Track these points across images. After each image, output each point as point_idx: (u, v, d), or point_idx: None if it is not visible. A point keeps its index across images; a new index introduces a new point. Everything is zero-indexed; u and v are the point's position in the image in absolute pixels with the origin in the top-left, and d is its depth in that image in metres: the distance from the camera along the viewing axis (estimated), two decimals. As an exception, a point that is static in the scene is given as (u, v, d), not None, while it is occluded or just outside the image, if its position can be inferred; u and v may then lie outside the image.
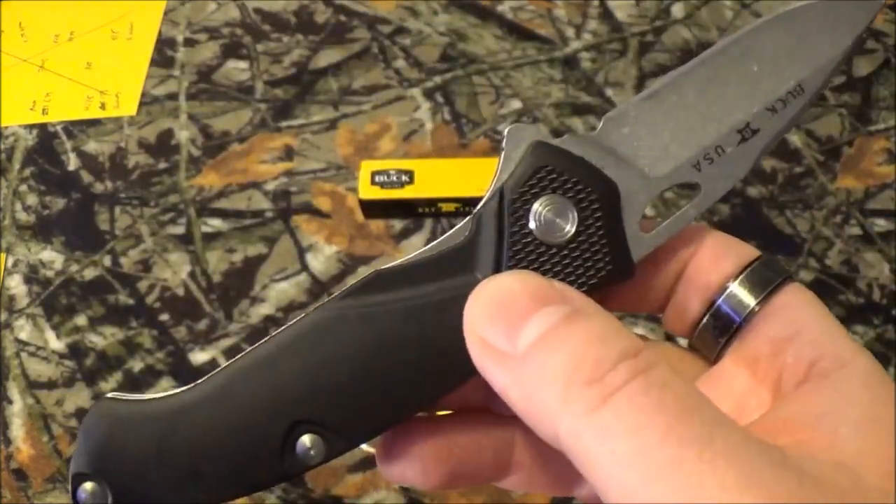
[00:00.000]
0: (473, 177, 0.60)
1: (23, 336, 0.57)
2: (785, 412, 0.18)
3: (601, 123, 0.21)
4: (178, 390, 0.19)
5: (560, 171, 0.19)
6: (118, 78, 0.73)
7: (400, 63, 0.73)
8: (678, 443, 0.15)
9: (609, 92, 0.69)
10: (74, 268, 0.60)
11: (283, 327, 0.19)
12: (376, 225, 0.62)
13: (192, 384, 0.20)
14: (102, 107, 0.71)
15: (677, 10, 0.77)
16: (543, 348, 0.16)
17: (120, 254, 0.61)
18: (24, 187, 0.66)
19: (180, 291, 0.59)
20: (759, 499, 0.14)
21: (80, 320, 0.58)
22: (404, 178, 0.60)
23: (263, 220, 0.62)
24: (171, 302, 0.58)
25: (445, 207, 0.60)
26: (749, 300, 0.20)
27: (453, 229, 0.20)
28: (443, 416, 0.21)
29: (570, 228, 0.19)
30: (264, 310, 0.57)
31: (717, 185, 0.21)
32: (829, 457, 0.16)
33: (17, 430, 0.53)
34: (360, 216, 0.62)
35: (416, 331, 0.19)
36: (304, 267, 0.60)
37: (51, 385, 0.55)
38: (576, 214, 0.19)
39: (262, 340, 0.20)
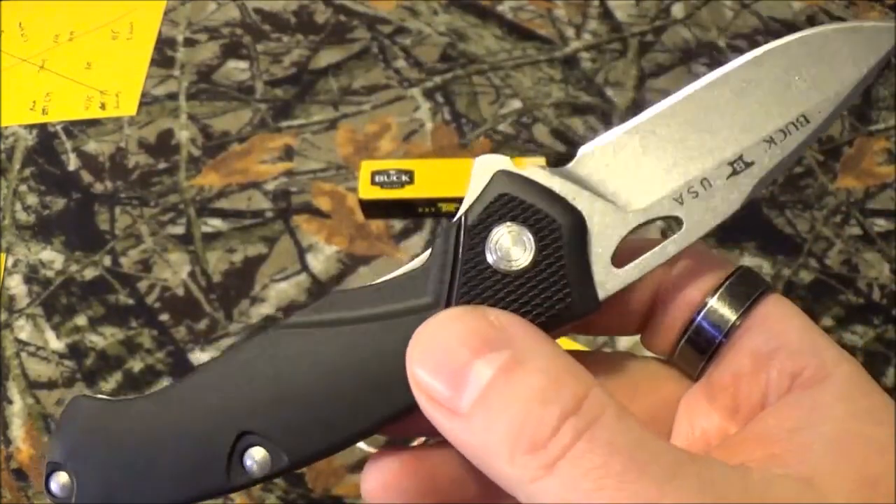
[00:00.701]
0: (473, 177, 0.60)
1: (23, 336, 0.57)
2: (763, 425, 0.18)
3: (577, 155, 0.20)
4: (142, 395, 0.20)
5: (521, 200, 0.19)
6: (118, 78, 0.73)
7: (400, 63, 0.73)
8: (631, 500, 0.15)
9: (609, 92, 0.69)
10: (74, 268, 0.60)
11: (240, 341, 0.20)
12: (376, 225, 0.62)
13: (155, 390, 0.20)
14: (102, 107, 0.71)
15: (677, 10, 0.77)
16: (485, 410, 0.16)
17: (120, 254, 0.61)
18: (24, 187, 0.66)
19: (180, 291, 0.59)
20: None
21: (80, 320, 0.58)
22: (404, 178, 0.60)
23: (263, 220, 0.62)
24: (171, 302, 0.58)
25: (445, 207, 0.60)
26: (729, 315, 0.20)
27: (420, 256, 0.20)
28: (428, 446, 0.20)
29: (527, 257, 0.18)
30: (264, 310, 0.57)
31: (701, 221, 0.19)
32: (800, 472, 0.16)
33: (17, 430, 0.53)
34: (360, 216, 0.62)
35: (362, 353, 0.19)
36: (304, 267, 0.60)
37: (51, 385, 0.55)
38: (534, 244, 0.18)
39: (221, 353, 0.21)
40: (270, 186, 0.64)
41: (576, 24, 0.76)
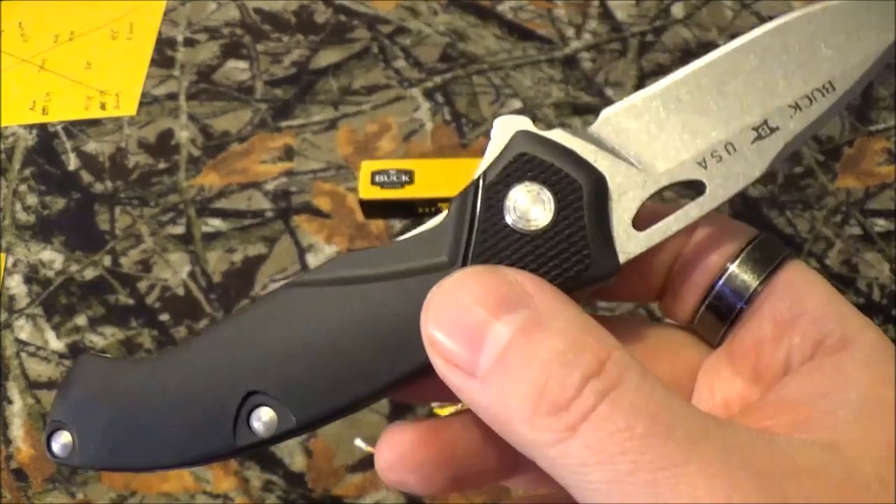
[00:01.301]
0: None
1: (23, 336, 0.57)
2: (787, 391, 0.18)
3: (599, 117, 0.20)
4: (150, 356, 0.20)
5: (541, 160, 0.18)
6: (118, 78, 0.73)
7: (400, 63, 0.73)
8: (651, 467, 0.14)
9: (609, 92, 0.69)
10: (74, 268, 0.60)
11: (251, 301, 0.20)
12: (376, 225, 0.62)
13: (164, 350, 0.20)
14: (102, 107, 0.71)
15: (677, 10, 0.77)
16: (503, 371, 0.15)
17: (120, 254, 0.61)
18: (24, 187, 0.66)
19: (180, 291, 0.59)
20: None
21: (80, 320, 0.58)
22: (404, 178, 0.60)
23: (263, 220, 0.62)
24: (171, 302, 0.58)
25: (445, 207, 0.60)
26: (751, 281, 0.20)
27: (438, 216, 0.19)
28: (446, 416, 0.20)
29: (546, 217, 0.18)
30: (264, 310, 0.57)
31: (724, 185, 0.20)
32: (825, 438, 0.16)
33: (17, 430, 0.53)
34: (360, 216, 0.62)
35: (375, 312, 0.18)
36: (304, 267, 0.59)
37: (51, 385, 0.55)
38: (554, 204, 0.18)
39: (231, 313, 0.20)
40: (270, 186, 0.64)
41: (576, 24, 0.76)
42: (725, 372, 0.20)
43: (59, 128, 0.70)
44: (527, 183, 0.18)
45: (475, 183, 0.19)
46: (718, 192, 0.20)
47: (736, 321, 0.20)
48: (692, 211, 0.19)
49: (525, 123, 0.19)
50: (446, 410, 0.52)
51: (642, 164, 0.19)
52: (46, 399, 0.54)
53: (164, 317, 0.57)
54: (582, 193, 0.18)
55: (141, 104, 0.71)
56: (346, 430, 0.52)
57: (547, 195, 0.18)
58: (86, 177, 0.66)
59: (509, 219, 0.18)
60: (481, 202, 0.18)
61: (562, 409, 0.15)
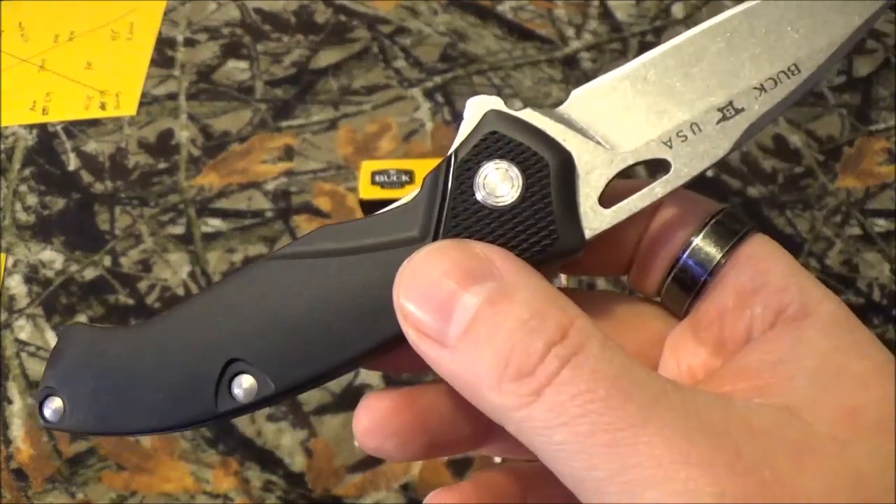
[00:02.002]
0: (473, 177, 0.60)
1: (23, 336, 0.57)
2: (747, 360, 0.18)
3: (569, 97, 0.21)
4: (135, 324, 0.21)
5: (510, 138, 0.19)
6: (118, 78, 0.73)
7: (400, 63, 0.73)
8: (611, 428, 0.15)
9: (609, 92, 0.69)
10: (74, 268, 0.60)
11: (229, 273, 0.20)
12: (376, 225, 0.62)
13: (148, 319, 0.21)
14: (102, 107, 0.71)
15: (677, 10, 0.77)
16: (471, 340, 0.16)
17: (120, 254, 0.61)
18: (24, 187, 0.66)
19: (180, 291, 0.59)
20: (697, 471, 0.14)
21: (80, 320, 0.58)
22: (404, 178, 0.60)
23: (263, 220, 0.62)
24: (171, 302, 0.58)
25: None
26: (714, 253, 0.20)
27: (410, 193, 0.20)
28: (420, 386, 0.21)
29: (514, 194, 0.19)
30: (264, 310, 0.57)
31: (689, 164, 0.20)
32: (783, 402, 0.16)
33: (17, 430, 0.53)
34: (360, 216, 0.62)
35: (349, 284, 0.19)
36: (304, 267, 0.59)
37: (51, 385, 0.55)
38: (521, 181, 0.19)
39: (213, 283, 0.21)
40: (270, 186, 0.64)
41: (576, 24, 0.76)
42: (690, 342, 0.21)
43: (59, 128, 0.70)
44: (496, 160, 0.19)
45: (447, 160, 0.20)
46: (683, 170, 0.20)
47: (700, 293, 0.20)
48: (657, 189, 0.20)
49: (496, 103, 0.20)
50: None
51: (609, 143, 0.20)
52: (46, 399, 0.54)
53: (164, 317, 0.57)
54: (549, 171, 0.19)
55: (141, 104, 0.71)
56: (346, 431, 0.52)
57: (515, 172, 0.19)
58: (86, 177, 0.66)
59: (479, 195, 0.19)
60: (452, 179, 0.19)
61: (526, 374, 0.15)
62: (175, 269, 0.60)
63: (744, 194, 0.62)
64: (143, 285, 0.59)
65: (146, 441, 0.52)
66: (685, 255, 0.20)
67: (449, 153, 0.20)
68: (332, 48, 0.74)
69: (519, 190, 0.19)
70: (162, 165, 0.66)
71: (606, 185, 0.19)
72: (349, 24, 0.77)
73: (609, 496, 0.15)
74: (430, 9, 0.78)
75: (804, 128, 0.67)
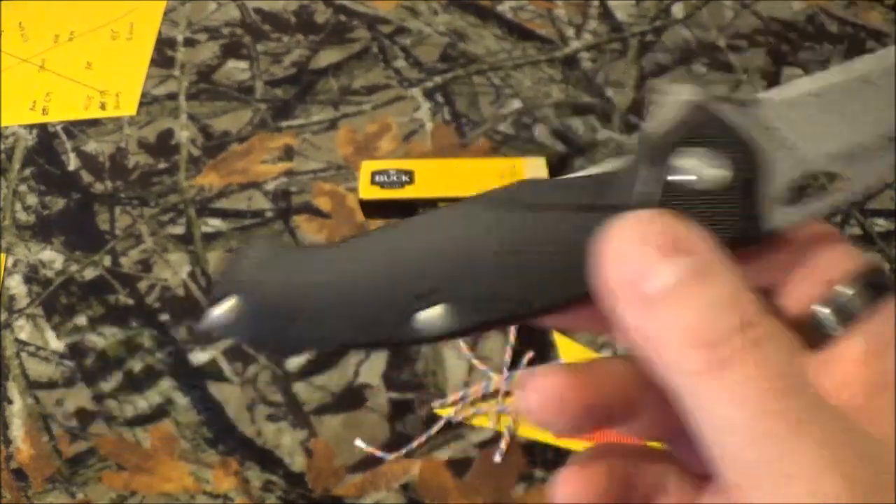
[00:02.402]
0: (473, 177, 0.60)
1: (23, 336, 0.57)
2: (878, 402, 0.19)
3: (760, 100, 0.21)
4: (322, 244, 0.21)
5: (711, 130, 0.20)
6: (118, 78, 0.73)
7: (400, 63, 0.73)
8: (775, 417, 0.16)
9: (609, 92, 0.69)
10: (74, 268, 0.60)
11: (429, 210, 0.21)
12: (376, 225, 0.62)
13: (341, 241, 0.21)
14: (102, 107, 0.71)
15: (677, 10, 0.77)
16: (670, 303, 0.17)
17: (120, 254, 0.61)
18: (24, 187, 0.66)
19: (180, 291, 0.59)
20: (838, 478, 0.15)
21: (80, 320, 0.58)
22: (404, 178, 0.60)
23: (263, 220, 0.62)
24: (171, 302, 0.58)
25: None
26: (856, 307, 0.21)
27: (608, 162, 0.21)
28: (587, 363, 0.22)
29: (708, 182, 0.20)
30: (264, 310, 0.57)
31: (866, 180, 0.21)
32: None
33: (17, 430, 0.53)
34: (360, 216, 0.62)
35: (548, 237, 0.20)
36: (304, 267, 0.59)
37: (51, 385, 0.55)
38: (721, 171, 0.20)
39: (412, 217, 0.22)
40: (270, 186, 0.64)
41: (576, 24, 0.76)
42: (825, 374, 0.22)
43: (59, 128, 0.70)
44: (697, 148, 0.20)
45: (657, 139, 0.21)
46: (860, 185, 0.21)
47: (832, 338, 0.21)
48: (836, 196, 0.21)
49: (700, 94, 0.21)
50: (445, 411, 0.52)
51: (793, 148, 0.21)
52: (46, 399, 0.54)
53: (164, 317, 0.57)
54: (742, 164, 0.20)
55: (141, 104, 0.71)
56: (346, 430, 0.52)
57: (711, 161, 0.20)
58: (86, 177, 0.66)
59: (678, 176, 0.20)
60: (657, 159, 0.20)
61: (714, 345, 0.16)
62: (175, 269, 0.60)
63: (744, 194, 0.62)
64: (143, 285, 0.59)
65: (146, 441, 0.52)
66: (828, 301, 0.21)
67: (656, 133, 0.21)
68: (332, 48, 0.74)
69: (713, 179, 0.20)
70: (162, 165, 0.66)
71: (786, 187, 0.20)
72: (349, 24, 0.77)
73: (756, 479, 0.16)
74: (430, 9, 0.78)
75: (804, 128, 0.67)
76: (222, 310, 0.20)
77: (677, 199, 0.20)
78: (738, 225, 0.20)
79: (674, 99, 0.21)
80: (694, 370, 0.17)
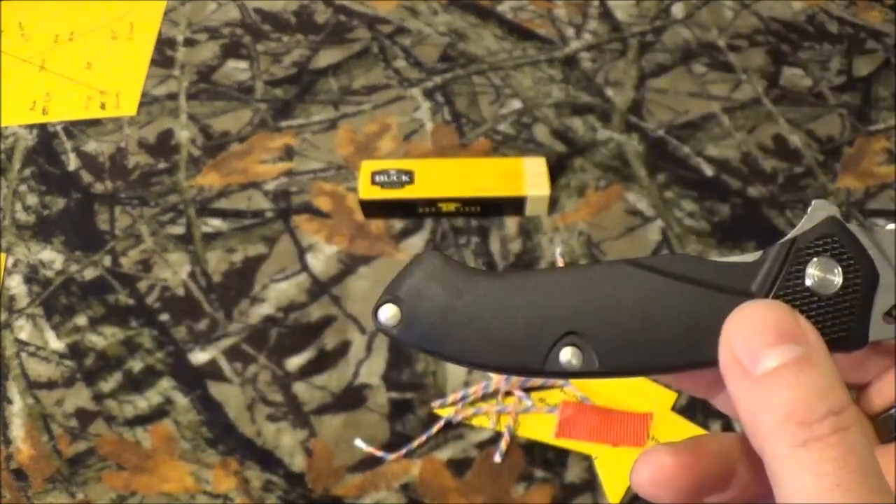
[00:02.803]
0: (473, 177, 0.60)
1: (23, 336, 0.57)
2: None
3: (885, 227, 0.24)
4: (487, 271, 0.24)
5: (841, 244, 0.24)
6: (118, 78, 0.73)
7: (400, 63, 0.73)
8: (846, 496, 0.19)
9: (609, 92, 0.69)
10: (74, 268, 0.60)
11: (588, 263, 0.24)
12: (376, 225, 0.62)
13: (503, 271, 0.25)
14: (102, 107, 0.71)
15: (677, 10, 0.77)
16: (775, 381, 0.20)
17: (120, 254, 0.61)
18: (24, 187, 0.66)
19: (180, 291, 0.59)
20: None
21: (80, 320, 0.58)
22: (404, 178, 0.60)
23: (263, 220, 0.62)
24: (171, 302, 0.58)
25: (445, 207, 0.60)
26: None
27: (751, 254, 0.24)
28: (691, 442, 0.25)
29: (832, 289, 0.23)
30: (264, 310, 0.57)
31: None
32: None
33: (17, 430, 0.53)
34: (360, 216, 0.62)
35: (686, 306, 0.23)
36: (304, 267, 0.60)
37: (51, 385, 0.55)
38: (840, 280, 0.23)
39: (570, 265, 0.25)
40: (270, 186, 0.64)
41: (576, 24, 0.76)
42: (889, 466, 0.24)
43: (59, 128, 0.70)
44: (826, 257, 0.23)
45: (790, 242, 0.24)
46: None
47: None
48: None
49: (835, 211, 0.24)
50: (445, 411, 0.52)
51: None
52: (46, 399, 0.54)
53: (164, 317, 0.57)
54: (861, 279, 0.23)
55: (141, 104, 0.71)
56: (346, 431, 0.52)
57: (837, 271, 0.23)
58: (86, 177, 0.66)
59: (806, 280, 0.23)
60: (790, 258, 0.24)
61: (805, 425, 0.20)
62: (175, 269, 0.60)
63: (744, 194, 0.62)
64: (143, 285, 0.59)
65: (146, 441, 0.52)
66: None
67: (792, 236, 0.24)
68: (332, 48, 0.74)
69: (835, 287, 0.23)
70: (162, 165, 0.66)
71: (892, 307, 0.23)
72: (349, 24, 0.77)
73: None
74: (430, 9, 0.78)
75: (804, 128, 0.67)
76: (386, 314, 0.23)
77: (795, 296, 0.23)
78: (845, 330, 0.23)
79: (819, 212, 0.24)
80: (788, 444, 0.20)
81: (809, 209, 0.24)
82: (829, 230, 0.24)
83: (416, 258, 0.24)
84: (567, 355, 0.23)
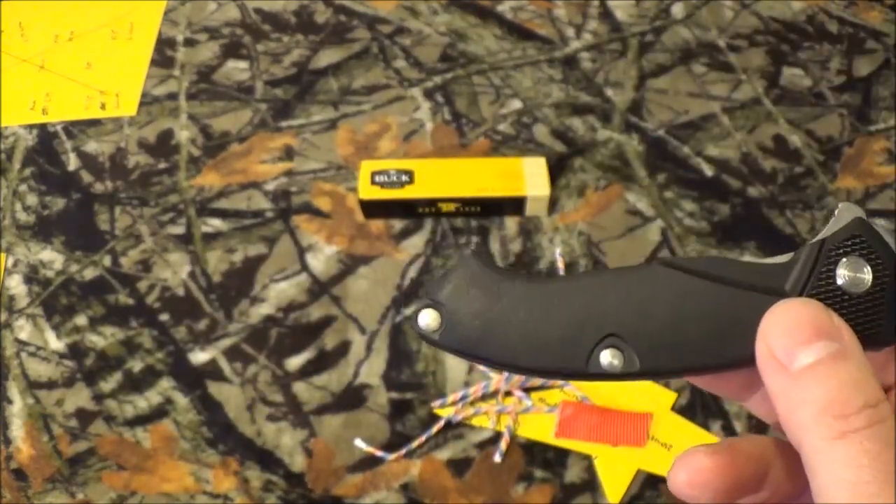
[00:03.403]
0: (473, 177, 0.60)
1: (23, 336, 0.57)
2: None
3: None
4: (525, 274, 0.25)
5: (868, 244, 0.24)
6: (118, 78, 0.73)
7: (400, 63, 0.73)
8: (881, 486, 0.19)
9: (609, 92, 0.69)
10: (74, 268, 0.60)
11: (625, 266, 0.25)
12: (376, 225, 0.62)
13: (541, 275, 0.24)
14: (102, 107, 0.71)
15: (677, 10, 0.77)
16: (812, 375, 0.21)
17: (120, 254, 0.61)
18: (24, 187, 0.66)
19: (180, 291, 0.59)
20: None
21: (80, 320, 0.58)
22: (404, 178, 0.60)
23: (263, 220, 0.62)
24: (171, 302, 0.58)
25: (445, 207, 0.60)
26: None
27: (783, 255, 0.25)
28: (729, 443, 0.25)
29: (863, 287, 0.24)
30: (264, 310, 0.57)
31: None
32: None
33: (17, 430, 0.53)
34: (360, 216, 0.62)
35: (723, 306, 0.24)
36: (304, 267, 0.60)
37: (51, 385, 0.55)
38: (870, 279, 0.24)
39: (607, 268, 0.25)
40: (270, 186, 0.64)
41: (576, 24, 0.76)
42: None
43: (59, 128, 0.70)
44: (855, 257, 0.24)
45: (819, 243, 0.25)
46: None
47: None
48: None
49: (862, 213, 0.25)
50: (445, 411, 0.52)
51: None
52: (46, 399, 0.54)
53: (164, 317, 0.57)
54: (889, 277, 0.24)
55: (141, 104, 0.71)
56: (346, 431, 0.52)
57: (866, 270, 0.24)
58: (86, 177, 0.66)
59: (838, 279, 0.24)
60: (820, 259, 0.24)
61: (842, 417, 0.20)
62: (175, 269, 0.60)
63: (744, 194, 0.62)
64: (142, 285, 0.59)
65: (146, 441, 0.52)
66: None
67: (819, 238, 0.25)
68: (332, 48, 0.74)
69: (866, 285, 0.24)
70: (162, 165, 0.66)
71: None
72: (349, 24, 0.77)
73: None
74: (430, 9, 0.78)
75: (804, 128, 0.67)
76: (426, 319, 0.23)
77: (827, 294, 0.24)
78: (875, 327, 0.23)
79: (846, 213, 0.25)
80: (826, 436, 0.20)
81: (836, 211, 0.25)
82: (858, 231, 0.24)
83: (456, 260, 0.24)
84: (608, 357, 0.23)
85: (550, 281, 0.25)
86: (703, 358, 0.24)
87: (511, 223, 0.61)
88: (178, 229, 0.62)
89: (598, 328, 0.24)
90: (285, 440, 0.52)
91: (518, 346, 0.24)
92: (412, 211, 0.61)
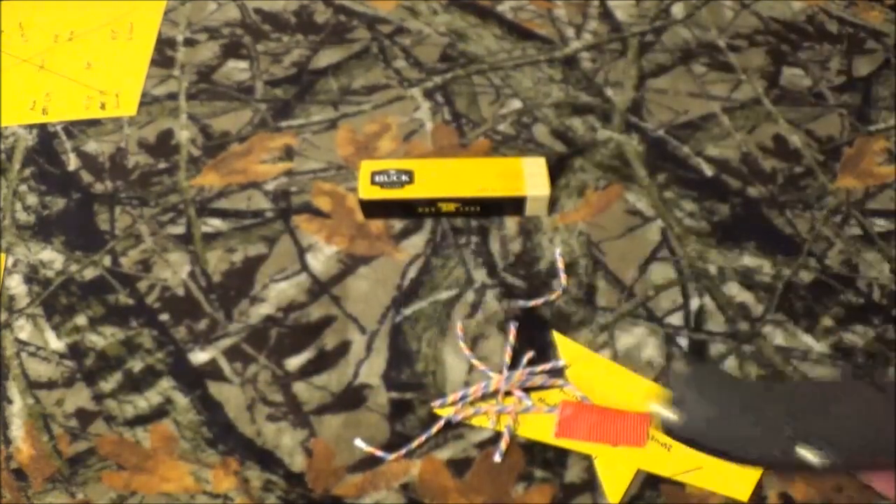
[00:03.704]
0: (473, 177, 0.60)
1: (23, 336, 0.57)
2: None
3: None
4: (741, 382, 0.33)
5: None
6: (118, 78, 0.73)
7: (400, 63, 0.73)
8: None
9: (609, 92, 0.69)
10: (74, 268, 0.60)
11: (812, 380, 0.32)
12: (376, 225, 0.62)
13: (748, 382, 0.35)
14: (102, 107, 0.71)
15: (677, 10, 0.77)
16: None
17: (120, 254, 0.61)
18: (24, 187, 0.66)
19: (180, 291, 0.59)
20: None
21: (80, 320, 0.58)
22: (404, 178, 0.60)
23: (263, 220, 0.62)
24: (171, 302, 0.58)
25: (445, 207, 0.60)
26: None
27: None
28: None
29: None
30: (264, 310, 0.57)
31: None
32: None
33: (17, 430, 0.53)
34: (360, 216, 0.62)
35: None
36: (304, 267, 0.60)
37: (51, 385, 0.55)
38: None
39: (811, 380, 0.35)
40: (270, 186, 0.64)
41: (576, 24, 0.76)
42: None
43: (59, 128, 0.70)
44: None
45: None
46: None
47: None
48: None
49: None
50: (445, 411, 0.52)
51: None
52: (46, 399, 0.54)
53: (164, 317, 0.57)
54: None
55: (141, 104, 0.71)
56: (346, 431, 0.52)
57: None
58: (86, 177, 0.66)
59: None
60: None
61: None
62: (175, 269, 0.60)
63: (744, 194, 0.62)
64: (143, 285, 0.59)
65: (146, 441, 0.52)
66: None
67: None
68: (332, 48, 0.74)
69: None
70: (162, 165, 0.66)
71: None
72: (349, 24, 0.77)
73: None
74: (430, 9, 0.78)
75: (804, 128, 0.67)
76: (670, 418, 0.31)
77: None
78: None
79: None
80: None
81: None
82: None
83: (690, 371, 0.33)
84: (806, 451, 0.28)
85: (761, 388, 0.31)
86: (875, 458, 0.29)
87: (511, 223, 0.61)
88: (178, 229, 0.62)
89: (799, 428, 0.29)
90: (285, 440, 0.52)
91: (739, 440, 0.30)
92: (412, 211, 0.61)
